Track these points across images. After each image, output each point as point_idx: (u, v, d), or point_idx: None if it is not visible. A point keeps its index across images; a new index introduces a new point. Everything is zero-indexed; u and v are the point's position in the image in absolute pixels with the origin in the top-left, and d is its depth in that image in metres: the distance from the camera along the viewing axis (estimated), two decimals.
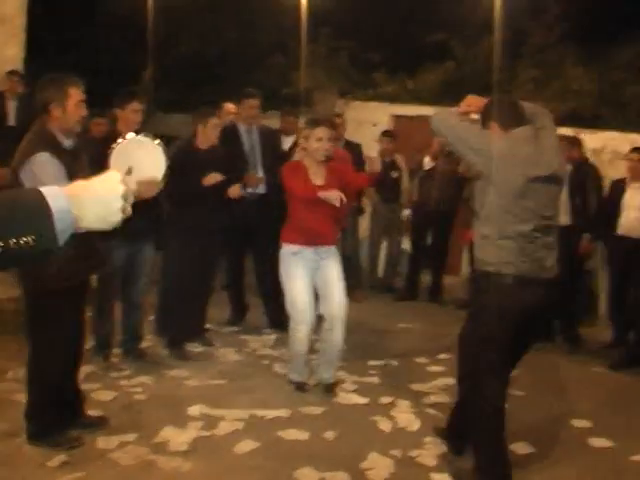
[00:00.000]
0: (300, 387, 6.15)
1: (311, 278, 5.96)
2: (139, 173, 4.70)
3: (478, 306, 4.65)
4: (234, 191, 6.89)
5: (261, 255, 7.66)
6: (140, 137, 5.42)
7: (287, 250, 5.95)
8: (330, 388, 6.11)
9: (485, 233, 4.51)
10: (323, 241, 5.95)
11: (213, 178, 6.64)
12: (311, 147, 5.80)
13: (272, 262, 7.62)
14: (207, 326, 7.55)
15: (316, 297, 6.05)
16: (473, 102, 4.77)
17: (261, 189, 7.51)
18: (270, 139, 7.73)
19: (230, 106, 8.87)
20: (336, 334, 5.96)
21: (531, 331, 4.71)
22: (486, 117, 4.62)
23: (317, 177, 5.88)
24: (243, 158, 7.45)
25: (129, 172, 4.64)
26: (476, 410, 4.60)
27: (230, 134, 7.48)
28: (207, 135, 6.73)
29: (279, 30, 13.33)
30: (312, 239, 5.89)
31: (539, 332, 4.99)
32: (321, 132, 5.76)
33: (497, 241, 4.43)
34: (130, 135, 5.40)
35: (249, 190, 7.37)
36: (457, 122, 4.57)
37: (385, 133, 9.87)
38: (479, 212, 4.55)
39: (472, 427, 4.68)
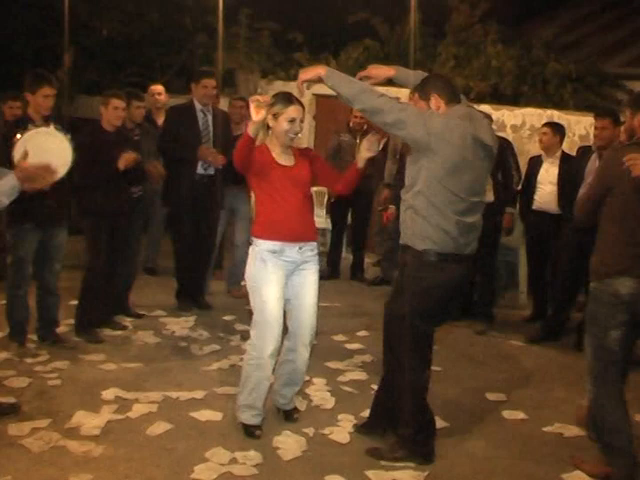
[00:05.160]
0: (251, 433, 5.05)
1: (285, 284, 5.03)
2: (41, 160, 4.72)
3: (406, 281, 4.70)
4: (128, 158, 6.57)
5: (205, 238, 7.72)
6: (49, 129, 5.43)
7: (262, 247, 4.95)
8: (290, 415, 5.34)
9: (415, 207, 4.56)
10: (305, 236, 5.03)
11: (127, 159, 6.54)
12: (280, 127, 4.92)
13: (209, 245, 7.78)
14: (142, 312, 7.56)
15: None
16: (375, 72, 5.00)
17: (210, 170, 7.49)
18: (223, 122, 7.66)
19: (155, 88, 8.88)
20: (301, 359, 5.22)
21: (449, 308, 4.85)
22: (428, 89, 4.68)
23: (283, 160, 5.03)
24: (198, 137, 7.43)
25: (25, 156, 4.65)
26: (404, 385, 4.71)
27: (185, 113, 7.50)
28: (108, 117, 6.67)
29: (203, 11, 13.20)
30: (293, 233, 4.98)
31: (454, 310, 5.15)
32: (294, 112, 4.90)
33: (426, 216, 4.51)
34: (40, 126, 5.41)
35: (202, 166, 7.38)
36: (383, 100, 4.45)
37: None
38: (410, 186, 4.61)
39: (400, 400, 4.76)
